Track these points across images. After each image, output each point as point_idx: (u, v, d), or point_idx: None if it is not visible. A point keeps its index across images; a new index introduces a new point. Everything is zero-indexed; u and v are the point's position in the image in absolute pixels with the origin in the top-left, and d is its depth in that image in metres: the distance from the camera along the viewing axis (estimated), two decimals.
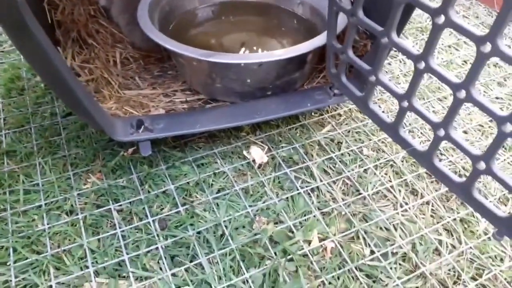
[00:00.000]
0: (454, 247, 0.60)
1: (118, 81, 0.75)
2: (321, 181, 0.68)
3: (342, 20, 0.65)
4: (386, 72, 0.90)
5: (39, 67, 0.58)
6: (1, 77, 0.87)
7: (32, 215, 0.62)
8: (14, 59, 0.93)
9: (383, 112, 0.80)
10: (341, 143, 0.74)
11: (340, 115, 0.80)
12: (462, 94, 0.47)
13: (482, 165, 0.48)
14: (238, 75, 0.69)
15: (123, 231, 0.60)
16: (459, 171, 0.70)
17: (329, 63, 0.67)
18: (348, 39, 0.61)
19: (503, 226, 0.48)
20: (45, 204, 0.64)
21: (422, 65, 0.51)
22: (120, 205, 0.64)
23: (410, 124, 0.79)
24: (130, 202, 0.64)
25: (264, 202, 0.64)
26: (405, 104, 0.55)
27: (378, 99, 0.83)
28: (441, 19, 0.46)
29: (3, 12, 0.46)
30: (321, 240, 0.60)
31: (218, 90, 0.73)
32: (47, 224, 0.61)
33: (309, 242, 0.60)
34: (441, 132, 0.51)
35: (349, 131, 0.76)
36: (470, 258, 0.59)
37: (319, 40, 0.67)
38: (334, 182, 0.68)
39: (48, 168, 0.69)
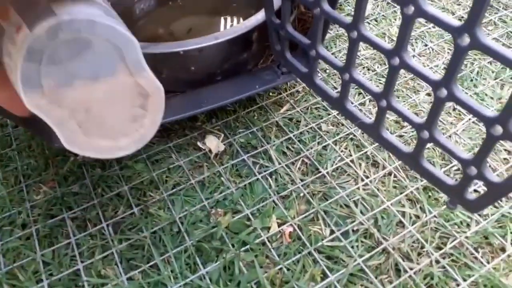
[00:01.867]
0: (418, 217, 0.58)
1: None
2: (279, 163, 0.65)
3: None
4: (361, 66, 0.86)
5: None
6: None
7: None
8: None
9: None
10: (300, 121, 0.72)
11: (298, 92, 0.77)
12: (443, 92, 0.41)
13: (425, 134, 0.45)
14: (181, 64, 0.66)
15: (77, 239, 0.59)
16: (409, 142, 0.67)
17: (272, 40, 0.64)
18: (284, 13, 0.58)
19: (454, 195, 0.46)
20: None
21: (396, 61, 0.43)
22: (74, 213, 0.62)
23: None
24: (83, 209, 0.62)
25: (221, 193, 0.62)
26: (347, 77, 0.52)
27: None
28: (411, 9, 0.40)
29: None
30: (280, 225, 0.58)
31: (165, 81, 0.69)
32: (0, 241, 0.59)
33: (268, 229, 0.58)
34: (384, 103, 0.48)
35: (307, 108, 0.74)
36: (435, 228, 0.57)
37: (258, 17, 0.63)
38: (292, 163, 0.65)
39: None
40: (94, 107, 0.25)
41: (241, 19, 0.80)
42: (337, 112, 0.72)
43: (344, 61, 0.51)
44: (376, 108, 0.50)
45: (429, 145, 0.59)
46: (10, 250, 0.58)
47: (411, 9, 0.40)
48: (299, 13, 0.72)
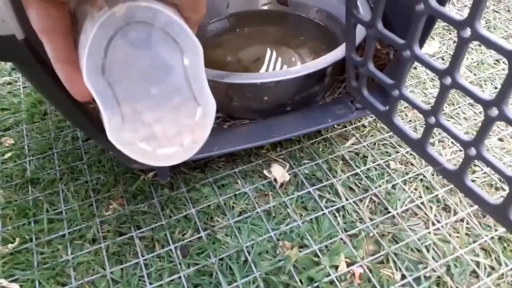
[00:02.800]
0: (493, 268, 0.56)
1: None
2: (346, 199, 0.65)
3: (361, 31, 0.62)
4: (412, 77, 0.86)
5: (49, 98, 0.58)
6: (24, 102, 0.89)
7: (56, 245, 0.62)
8: None
9: (410, 121, 0.77)
10: (367, 156, 0.71)
11: (364, 126, 0.76)
12: (494, 112, 0.43)
13: None
14: (255, 94, 0.67)
15: (145, 259, 0.60)
16: (495, 184, 0.66)
17: (349, 76, 0.64)
18: (367, 51, 0.58)
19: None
20: (69, 233, 0.64)
21: (448, 80, 0.47)
22: (142, 232, 0.63)
23: (440, 133, 0.74)
24: (152, 229, 0.63)
25: (287, 225, 0.62)
26: (432, 120, 0.51)
27: (405, 107, 0.79)
28: (467, 32, 0.43)
29: (9, 52, 0.46)
30: (348, 265, 0.57)
31: (235, 109, 0.71)
32: (71, 254, 0.61)
33: (336, 268, 0.57)
34: (472, 151, 0.47)
35: (374, 144, 0.73)
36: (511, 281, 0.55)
37: (338, 53, 0.64)
38: (360, 200, 0.65)
39: (70, 195, 0.69)
40: (144, 107, 0.25)
41: (307, 51, 0.81)
42: (406, 151, 0.71)
43: (425, 102, 0.51)
44: (463, 155, 0.49)
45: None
46: (81, 265, 0.60)
47: (467, 32, 0.42)
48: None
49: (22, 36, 0.41)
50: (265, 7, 0.88)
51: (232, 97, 0.69)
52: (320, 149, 0.73)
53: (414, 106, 0.53)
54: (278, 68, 0.78)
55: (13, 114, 0.86)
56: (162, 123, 0.27)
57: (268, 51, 0.82)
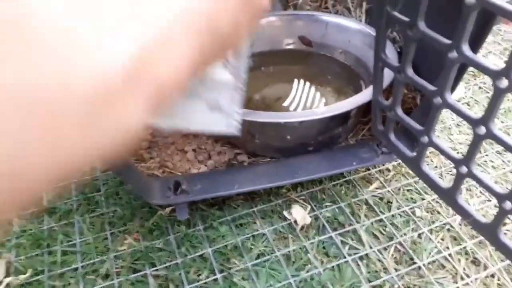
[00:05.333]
0: None
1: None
2: (370, 247, 0.62)
3: (388, 74, 0.61)
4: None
5: None
6: None
7: (68, 279, 0.61)
8: None
9: (435, 167, 0.74)
10: (391, 202, 0.69)
11: (388, 170, 0.74)
12: None
13: None
14: (278, 132, 0.66)
15: None
16: None
17: (376, 120, 0.63)
18: (396, 96, 0.57)
19: None
20: (82, 266, 0.62)
21: (482, 130, 0.45)
22: (157, 270, 0.61)
23: (467, 181, 0.72)
24: (166, 267, 0.61)
25: (307, 272, 0.59)
26: (464, 170, 0.49)
27: (430, 152, 0.77)
28: (504, 82, 0.42)
29: None
30: None
31: (257, 146, 0.70)
32: None
33: None
34: (508, 205, 0.45)
35: (399, 189, 0.71)
36: None
37: (364, 96, 0.63)
38: (385, 248, 0.62)
39: (86, 227, 0.68)
40: None
41: (330, 90, 0.81)
42: (432, 198, 0.69)
43: (451, 148, 0.49)
44: (498, 208, 0.47)
45: None
46: None
47: (504, 82, 0.41)
48: None
49: None
50: (290, 47, 0.89)
51: (254, 135, 0.68)
52: (343, 191, 0.71)
53: (444, 154, 0.52)
54: (301, 106, 0.77)
55: None
56: None
57: (292, 89, 0.82)
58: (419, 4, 0.47)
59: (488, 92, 0.92)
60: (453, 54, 0.45)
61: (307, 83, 0.83)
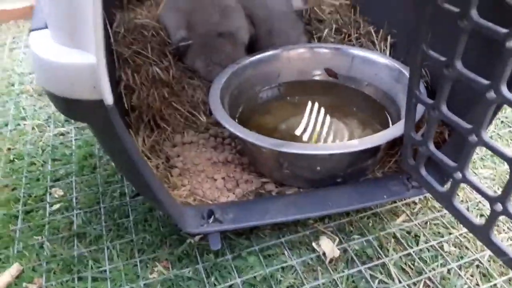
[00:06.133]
0: None
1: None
2: (400, 281, 0.62)
3: (418, 109, 0.62)
4: None
5: (118, 158, 0.59)
6: (76, 154, 0.91)
7: None
8: (87, 135, 0.97)
9: (461, 201, 0.75)
10: (419, 236, 0.69)
11: (415, 203, 0.75)
12: None
13: None
14: (308, 163, 0.67)
15: None
16: None
17: (407, 154, 0.63)
18: (429, 132, 0.58)
19: None
20: None
21: None
22: None
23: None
24: None
25: None
26: (499, 208, 0.50)
27: None
28: None
29: (92, 115, 0.48)
30: None
31: (286, 176, 0.71)
32: None
33: None
34: None
35: (426, 223, 0.71)
36: None
37: (396, 130, 0.64)
38: (414, 283, 0.62)
39: (116, 253, 0.68)
40: None
41: (356, 122, 0.82)
42: (460, 233, 0.69)
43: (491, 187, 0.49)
44: None
45: None
46: None
47: None
48: None
49: (111, 102, 0.43)
50: (316, 78, 0.91)
51: (283, 164, 0.69)
52: (370, 224, 0.71)
53: (479, 191, 0.52)
54: (327, 138, 0.78)
55: (64, 165, 0.88)
56: None
57: (317, 120, 0.83)
58: (456, 44, 0.49)
59: (511, 127, 0.93)
60: (491, 95, 0.46)
61: (333, 114, 0.85)
